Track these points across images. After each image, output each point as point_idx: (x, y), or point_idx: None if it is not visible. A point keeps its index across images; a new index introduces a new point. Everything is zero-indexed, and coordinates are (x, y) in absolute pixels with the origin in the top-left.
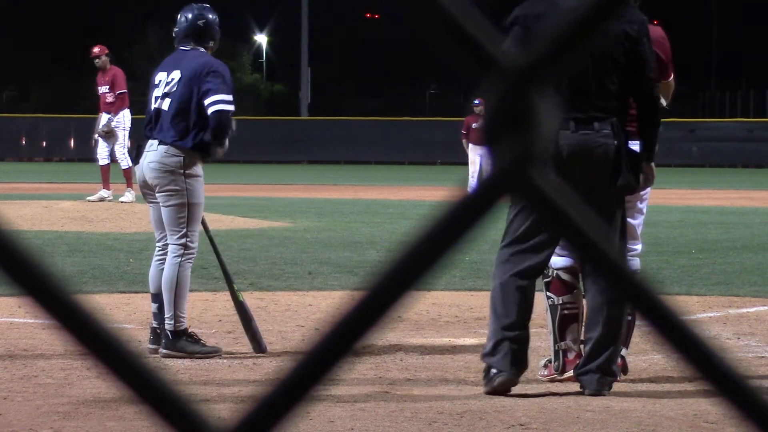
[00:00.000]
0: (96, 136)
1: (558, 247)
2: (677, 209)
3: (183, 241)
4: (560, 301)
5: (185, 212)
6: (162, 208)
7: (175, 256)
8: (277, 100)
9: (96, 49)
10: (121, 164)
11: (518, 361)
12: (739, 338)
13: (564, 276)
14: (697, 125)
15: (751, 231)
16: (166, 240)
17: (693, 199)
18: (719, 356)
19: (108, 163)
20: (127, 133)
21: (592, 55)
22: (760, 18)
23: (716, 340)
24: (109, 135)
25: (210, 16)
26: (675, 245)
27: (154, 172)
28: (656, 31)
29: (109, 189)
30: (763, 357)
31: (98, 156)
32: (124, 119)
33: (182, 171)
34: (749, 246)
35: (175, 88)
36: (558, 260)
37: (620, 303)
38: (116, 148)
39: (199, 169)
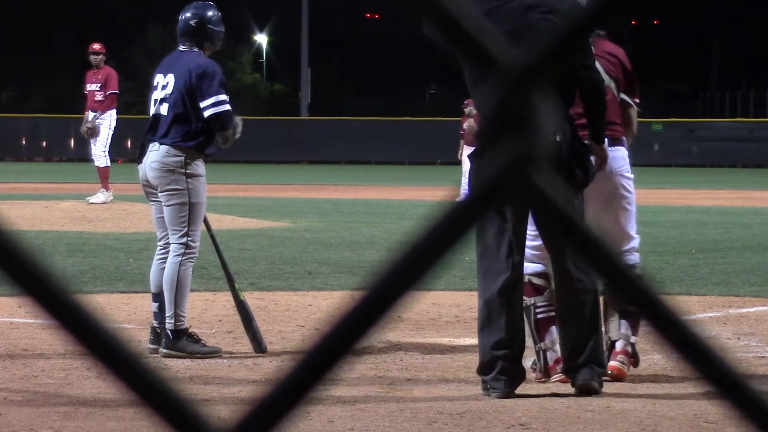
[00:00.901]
0: (83, 131)
1: (529, 255)
2: (677, 209)
3: (184, 240)
4: (532, 302)
5: (186, 212)
6: (164, 208)
7: (176, 255)
8: (277, 100)
9: (97, 46)
10: (98, 162)
11: (512, 378)
12: (739, 338)
13: (535, 280)
14: (697, 125)
15: (751, 231)
16: (168, 239)
17: (693, 199)
18: (719, 356)
19: (107, 165)
20: (111, 132)
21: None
22: (760, 18)
23: (716, 340)
24: (93, 132)
25: (208, 13)
26: (675, 245)
27: (156, 172)
28: (610, 47)
29: (108, 189)
30: (763, 357)
31: (93, 158)
32: (110, 118)
33: (183, 171)
34: (749, 246)
35: (170, 93)
36: (529, 266)
37: (594, 296)
38: (97, 145)
39: (201, 168)
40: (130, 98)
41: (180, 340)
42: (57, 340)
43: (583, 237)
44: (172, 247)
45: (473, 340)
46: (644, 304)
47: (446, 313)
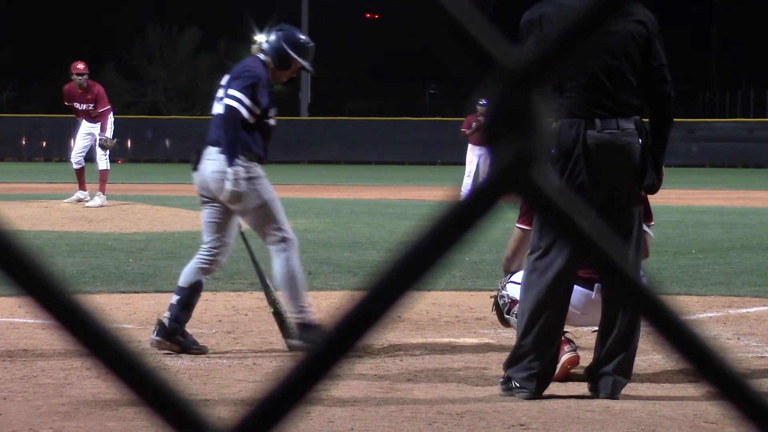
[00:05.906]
0: (99, 144)
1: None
2: (677, 209)
3: (280, 235)
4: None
5: (267, 210)
6: (247, 219)
7: (279, 252)
8: (277, 100)
9: (81, 66)
10: (99, 165)
11: (542, 379)
12: (739, 338)
13: None
14: (697, 125)
15: (751, 231)
16: (212, 244)
17: (693, 199)
18: (719, 356)
19: (83, 167)
20: (110, 134)
21: (610, 52)
22: (760, 18)
23: (716, 340)
24: (108, 144)
25: (290, 34)
26: (675, 245)
27: (219, 183)
28: None
29: (85, 190)
30: (763, 357)
31: (72, 160)
32: (109, 124)
33: (246, 177)
34: (749, 246)
35: (221, 93)
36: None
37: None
38: (98, 150)
39: (259, 169)
40: (130, 98)
41: (312, 331)
42: (57, 340)
43: (582, 237)
44: (273, 248)
45: (473, 340)
46: (644, 304)
47: (446, 313)
